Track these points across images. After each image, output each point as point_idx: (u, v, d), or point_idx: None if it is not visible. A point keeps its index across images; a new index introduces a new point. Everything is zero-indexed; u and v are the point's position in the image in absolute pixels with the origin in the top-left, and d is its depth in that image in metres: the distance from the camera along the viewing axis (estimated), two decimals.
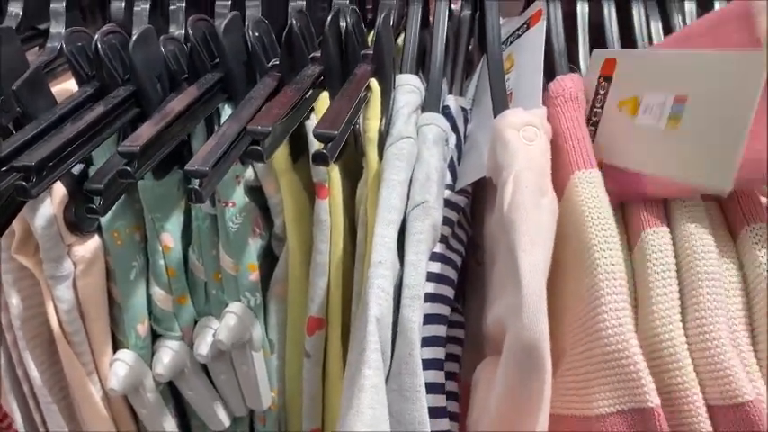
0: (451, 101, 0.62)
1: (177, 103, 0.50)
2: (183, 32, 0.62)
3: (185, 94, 0.52)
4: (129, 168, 0.44)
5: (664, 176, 0.47)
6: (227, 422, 0.65)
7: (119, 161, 0.48)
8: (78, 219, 0.56)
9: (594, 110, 0.55)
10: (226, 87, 0.56)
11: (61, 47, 0.62)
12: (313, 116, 0.56)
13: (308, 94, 0.54)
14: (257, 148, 0.44)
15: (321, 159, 0.45)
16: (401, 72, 0.62)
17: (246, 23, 0.57)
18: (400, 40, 0.67)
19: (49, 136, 0.49)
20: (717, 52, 0.44)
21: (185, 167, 0.44)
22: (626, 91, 0.52)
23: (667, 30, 0.64)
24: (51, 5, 0.63)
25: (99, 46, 0.54)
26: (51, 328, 0.59)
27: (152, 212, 0.58)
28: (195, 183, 0.45)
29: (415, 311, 0.49)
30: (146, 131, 0.46)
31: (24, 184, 0.44)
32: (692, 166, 0.44)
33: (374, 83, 0.56)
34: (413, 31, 0.63)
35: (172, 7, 0.63)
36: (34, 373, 0.61)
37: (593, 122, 0.55)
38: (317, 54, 0.57)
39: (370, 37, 0.63)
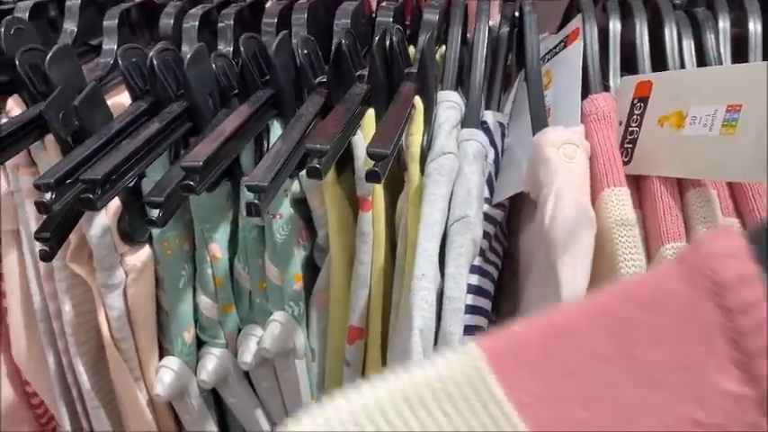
0: (489, 116, 0.63)
1: (232, 120, 0.52)
2: (232, 49, 0.64)
3: (239, 111, 0.54)
4: (191, 183, 0.45)
5: (720, 179, 0.50)
6: (267, 429, 0.67)
7: (176, 175, 0.50)
8: (131, 229, 0.58)
9: (630, 129, 0.57)
10: (276, 104, 0.58)
11: (113, 62, 0.64)
12: (359, 132, 0.58)
13: (356, 111, 0.56)
14: (316, 166, 0.46)
15: (374, 177, 0.47)
16: (442, 88, 0.63)
17: (295, 41, 0.59)
18: (437, 56, 0.69)
19: (108, 150, 0.52)
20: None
21: (245, 182, 0.45)
22: (667, 108, 0.54)
23: (699, 48, 0.65)
24: (104, 23, 0.65)
25: (154, 62, 0.56)
26: (101, 334, 0.61)
27: (201, 223, 0.60)
28: (251, 196, 0.46)
29: (456, 324, 0.50)
30: (205, 147, 0.48)
31: (90, 196, 0.46)
32: (754, 165, 0.47)
33: (418, 100, 0.57)
34: (453, 48, 0.64)
35: (220, 25, 0.65)
36: (83, 377, 0.62)
37: (629, 140, 0.57)
38: (364, 72, 0.59)
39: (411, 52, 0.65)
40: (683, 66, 0.63)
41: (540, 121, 0.59)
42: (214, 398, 0.68)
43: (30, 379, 0.67)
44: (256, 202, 0.45)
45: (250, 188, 0.45)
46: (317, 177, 0.46)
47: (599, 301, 0.29)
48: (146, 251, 0.59)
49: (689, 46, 0.65)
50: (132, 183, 0.58)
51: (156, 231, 0.59)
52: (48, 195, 0.46)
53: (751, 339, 0.27)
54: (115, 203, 0.57)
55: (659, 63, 0.64)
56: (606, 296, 0.29)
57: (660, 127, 0.54)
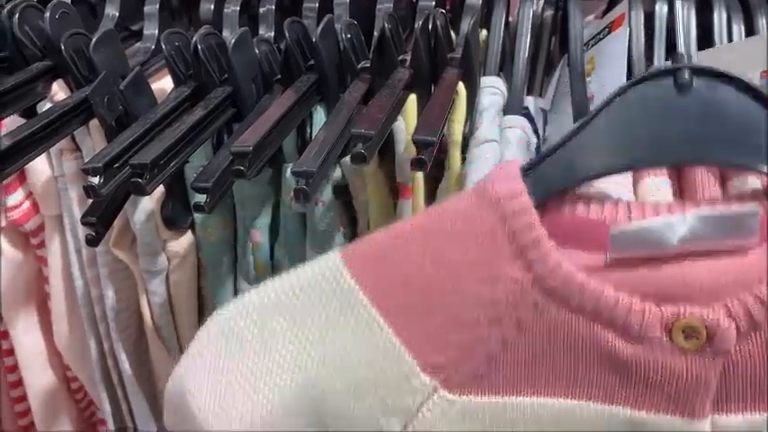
0: (531, 102, 0.62)
1: (277, 106, 0.52)
2: (273, 34, 0.64)
3: (284, 96, 0.54)
4: (242, 168, 0.45)
5: None
6: None
7: (223, 160, 0.49)
8: (175, 215, 0.58)
9: None
10: (319, 89, 0.58)
11: (155, 47, 0.64)
12: (400, 118, 0.57)
13: (399, 97, 0.55)
14: (362, 152, 0.45)
15: (420, 165, 0.46)
16: (484, 74, 0.62)
17: (339, 26, 0.58)
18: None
19: (153, 134, 0.51)
20: None
21: (294, 169, 0.45)
22: None
23: (750, 32, 0.63)
24: (145, 8, 0.65)
25: (199, 47, 0.55)
26: (143, 320, 0.61)
27: (243, 210, 0.59)
28: (301, 182, 0.46)
29: None
30: (254, 133, 0.47)
31: (140, 180, 0.46)
32: None
33: (461, 86, 0.56)
34: (496, 34, 0.63)
35: (261, 9, 0.64)
36: (124, 364, 0.63)
37: None
38: (407, 57, 0.58)
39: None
40: None
41: (582, 109, 0.58)
42: None
43: (70, 363, 0.68)
44: (305, 188, 0.45)
45: (299, 174, 0.44)
46: (362, 162, 0.46)
47: (426, 217, 0.41)
48: (188, 237, 0.59)
49: (739, 31, 0.64)
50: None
51: (198, 218, 0.59)
52: (96, 180, 0.46)
53: (522, 236, 0.38)
54: (159, 189, 0.57)
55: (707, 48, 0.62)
56: (431, 213, 0.41)
57: None
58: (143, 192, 0.46)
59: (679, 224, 0.38)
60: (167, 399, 0.46)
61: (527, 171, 0.39)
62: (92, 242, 0.51)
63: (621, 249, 0.39)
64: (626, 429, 0.41)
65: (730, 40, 0.63)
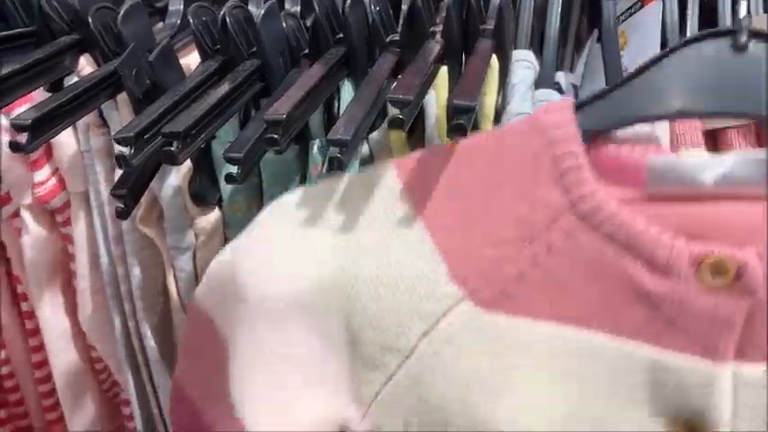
0: (562, 77, 0.61)
1: (307, 79, 0.51)
2: (299, 9, 0.63)
3: (312, 69, 0.53)
4: (275, 136, 0.44)
5: None
6: None
7: (254, 132, 0.49)
8: (202, 191, 0.57)
9: None
10: (348, 63, 0.57)
11: (181, 23, 0.63)
12: (431, 91, 0.56)
13: (431, 68, 0.54)
14: (399, 117, 0.44)
15: (459, 130, 0.45)
16: (515, 47, 0.61)
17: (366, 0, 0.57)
18: None
19: (183, 107, 0.51)
20: None
21: (329, 136, 0.44)
22: None
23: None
24: None
25: (227, 20, 0.55)
26: (169, 298, 0.60)
27: (270, 186, 0.58)
28: (335, 151, 0.45)
29: None
30: (286, 102, 0.46)
31: (172, 149, 0.45)
32: None
33: (494, 59, 0.55)
34: (527, 5, 0.63)
35: None
36: (150, 342, 0.62)
37: None
38: (437, 29, 0.57)
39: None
40: None
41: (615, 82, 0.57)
42: None
43: (95, 343, 0.67)
44: (339, 156, 0.44)
45: (334, 142, 0.43)
46: (399, 128, 0.45)
47: (478, 139, 0.45)
48: (215, 214, 0.59)
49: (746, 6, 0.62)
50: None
51: (225, 194, 0.58)
52: (127, 150, 0.46)
53: (564, 162, 0.40)
54: (186, 165, 0.56)
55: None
56: (482, 135, 0.46)
57: None
58: (175, 161, 0.45)
59: (715, 165, 0.39)
60: (210, 276, 0.50)
61: (579, 108, 0.42)
62: (122, 215, 0.50)
63: (658, 183, 0.40)
64: (645, 367, 0.40)
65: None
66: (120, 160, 0.46)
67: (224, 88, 0.52)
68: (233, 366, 0.47)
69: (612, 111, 0.41)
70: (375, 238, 0.44)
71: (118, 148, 0.46)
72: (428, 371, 0.43)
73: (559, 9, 0.61)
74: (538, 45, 0.61)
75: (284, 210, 0.48)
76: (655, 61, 0.40)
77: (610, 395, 0.41)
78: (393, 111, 0.48)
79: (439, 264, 0.43)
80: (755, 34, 0.39)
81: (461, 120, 0.44)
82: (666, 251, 0.39)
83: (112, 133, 0.58)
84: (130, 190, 0.51)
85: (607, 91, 0.41)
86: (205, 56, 0.58)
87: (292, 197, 0.48)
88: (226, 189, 0.58)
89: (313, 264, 0.45)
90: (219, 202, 0.59)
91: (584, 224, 0.40)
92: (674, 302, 0.39)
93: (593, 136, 0.42)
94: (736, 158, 0.39)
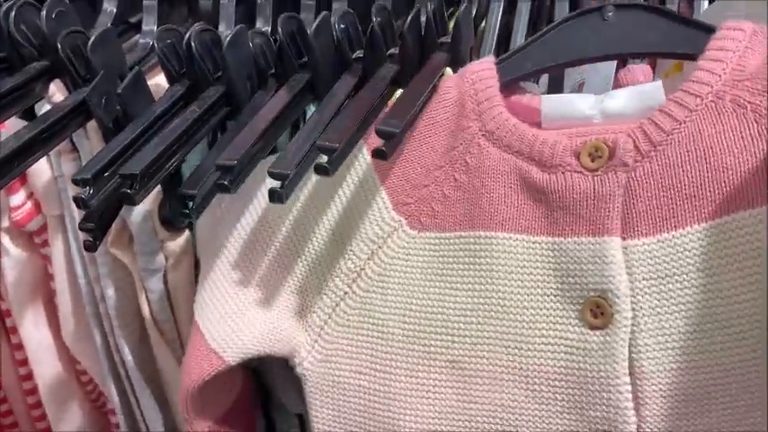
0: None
1: (270, 109, 0.51)
2: (270, 28, 0.63)
3: (276, 98, 0.53)
4: (226, 182, 0.45)
5: None
6: None
7: (211, 165, 0.49)
8: (172, 215, 0.58)
9: None
10: (312, 87, 0.57)
11: (153, 43, 0.63)
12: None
13: (384, 92, 0.54)
14: (325, 165, 0.44)
15: (379, 155, 0.46)
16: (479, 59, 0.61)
17: (333, 18, 0.57)
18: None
19: (146, 137, 0.51)
20: None
21: (269, 170, 0.44)
22: None
23: None
24: (144, 1, 0.64)
25: (192, 44, 0.55)
26: (143, 316, 0.61)
27: None
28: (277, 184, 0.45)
29: None
30: (242, 142, 0.47)
31: (129, 191, 0.45)
32: None
33: (449, 71, 0.55)
34: (494, 18, 0.62)
35: (259, 1, 0.63)
36: (128, 357, 0.64)
37: None
38: (396, 51, 0.57)
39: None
40: None
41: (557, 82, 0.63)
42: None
43: (79, 358, 0.69)
44: (279, 190, 0.44)
45: (273, 176, 0.44)
46: (325, 175, 0.45)
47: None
48: (185, 236, 0.60)
49: None
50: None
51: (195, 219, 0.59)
52: (86, 190, 0.46)
53: (481, 94, 0.49)
54: (156, 190, 0.57)
55: None
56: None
57: None
58: (132, 202, 0.46)
59: (599, 100, 0.48)
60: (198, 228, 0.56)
61: (498, 63, 0.51)
62: (90, 248, 0.51)
63: (552, 119, 0.49)
64: (549, 258, 0.46)
65: None
66: (78, 201, 0.46)
67: (188, 117, 0.52)
68: (198, 290, 0.54)
69: (519, 65, 0.51)
70: (333, 185, 0.51)
71: (76, 189, 0.47)
72: (373, 291, 0.50)
73: (526, 23, 0.61)
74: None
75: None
76: (550, 29, 0.50)
77: (525, 290, 0.46)
78: None
79: (384, 197, 0.50)
80: (620, 6, 0.49)
81: (384, 147, 0.45)
82: (551, 147, 0.46)
83: (82, 159, 0.58)
84: (97, 223, 0.51)
85: (516, 51, 0.51)
86: (172, 80, 0.58)
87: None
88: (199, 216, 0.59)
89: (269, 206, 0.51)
90: (190, 225, 0.60)
91: (491, 141, 0.48)
92: (562, 190, 0.45)
93: (507, 85, 0.51)
94: (617, 95, 0.47)
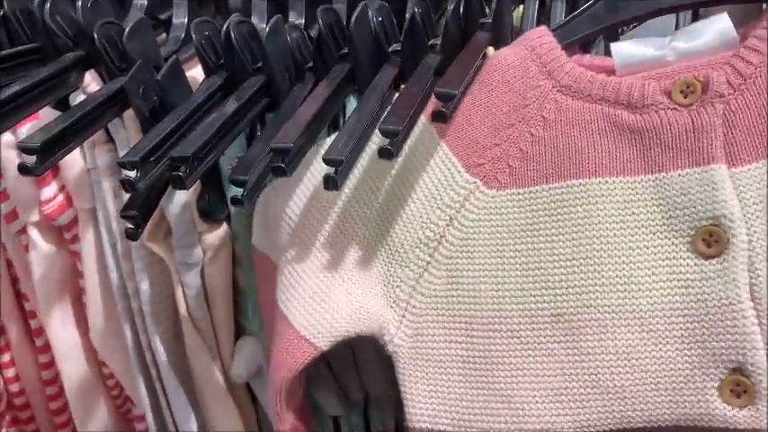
0: None
1: (313, 100, 0.50)
2: (303, 21, 0.62)
3: (319, 89, 0.52)
4: (282, 165, 0.44)
5: None
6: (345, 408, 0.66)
7: (259, 152, 0.48)
8: (210, 207, 0.57)
9: None
10: (353, 78, 0.56)
11: (185, 36, 0.63)
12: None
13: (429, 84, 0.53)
14: (389, 148, 0.43)
15: (440, 117, 0.45)
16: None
17: (370, 11, 0.57)
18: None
19: (188, 126, 0.50)
20: None
21: (324, 156, 0.43)
22: None
23: None
24: None
25: (232, 35, 0.54)
26: (179, 313, 0.60)
27: None
28: (331, 170, 0.45)
29: None
30: (292, 129, 0.46)
31: (180, 174, 0.44)
32: None
33: (491, 50, 0.55)
34: (532, 3, 0.62)
35: None
36: (162, 357, 0.62)
37: None
38: (437, 41, 0.57)
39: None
40: None
41: None
42: None
43: (106, 359, 0.67)
44: (334, 175, 0.43)
45: (328, 162, 0.43)
46: (388, 158, 0.44)
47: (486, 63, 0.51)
48: (223, 229, 0.59)
49: None
50: None
51: (234, 209, 0.58)
52: (133, 173, 0.45)
53: (546, 55, 0.49)
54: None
55: None
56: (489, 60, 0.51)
57: None
58: (183, 186, 0.45)
59: (668, 39, 0.48)
60: (256, 221, 0.56)
61: (554, 30, 0.51)
62: (132, 236, 0.50)
63: (626, 65, 0.49)
64: (652, 195, 0.45)
65: None
66: (126, 184, 0.45)
67: (231, 106, 0.52)
68: (279, 283, 0.52)
69: (576, 28, 0.52)
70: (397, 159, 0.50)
71: (123, 171, 0.46)
72: (458, 257, 0.49)
73: (563, 5, 0.61)
74: None
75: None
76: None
77: (629, 231, 0.45)
78: None
79: (453, 161, 0.49)
80: None
81: (443, 108, 0.44)
82: (640, 90, 0.46)
83: (118, 150, 0.57)
84: (140, 210, 0.50)
85: (568, 20, 0.52)
86: (209, 71, 0.57)
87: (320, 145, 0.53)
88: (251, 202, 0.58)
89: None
90: (228, 218, 0.59)
91: (569, 95, 0.48)
92: (659, 128, 0.45)
93: (567, 45, 0.51)
94: (685, 32, 0.49)
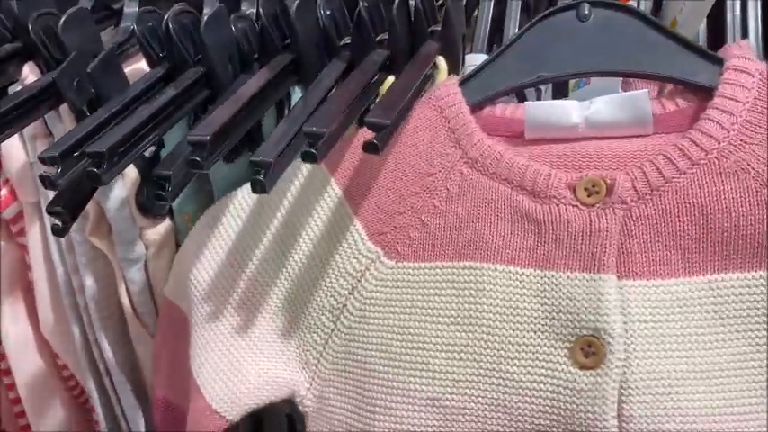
0: None
1: (248, 88, 0.49)
2: (255, 11, 0.61)
3: (257, 77, 0.51)
4: (198, 159, 0.42)
5: None
6: None
7: (188, 147, 0.47)
8: (150, 202, 0.56)
9: None
10: (297, 69, 0.55)
11: (135, 27, 0.61)
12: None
13: (374, 79, 0.52)
14: (311, 151, 0.41)
15: (371, 148, 0.43)
16: (471, 51, 0.59)
17: (319, 2, 0.55)
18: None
19: (120, 119, 0.49)
20: None
21: (251, 158, 0.42)
22: None
23: None
24: None
25: (170, 26, 0.53)
26: (123, 308, 0.59)
27: (221, 194, 0.57)
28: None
29: None
30: (217, 118, 0.44)
31: (95, 170, 0.43)
32: None
33: (441, 61, 0.53)
34: (486, 8, 0.60)
35: None
36: (108, 353, 0.62)
37: None
38: (386, 36, 0.55)
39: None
40: None
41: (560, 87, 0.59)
42: None
43: (58, 352, 0.67)
44: (261, 179, 0.42)
45: (256, 164, 0.41)
46: (312, 161, 0.42)
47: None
48: (166, 225, 0.58)
49: None
50: (150, 153, 0.56)
51: (175, 205, 0.57)
52: (54, 170, 0.44)
53: (454, 120, 0.48)
54: (133, 175, 0.55)
55: None
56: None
57: None
58: (100, 182, 0.44)
59: (584, 107, 0.46)
60: (174, 268, 0.57)
61: (462, 83, 0.49)
62: (58, 232, 0.49)
63: (535, 128, 0.47)
64: (539, 291, 0.44)
65: None
66: (46, 181, 0.44)
67: (162, 99, 0.50)
68: (192, 346, 0.53)
69: (489, 82, 0.49)
70: (305, 221, 0.50)
71: (43, 168, 0.45)
72: (356, 327, 0.48)
73: (518, 15, 0.59)
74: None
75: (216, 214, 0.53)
76: (517, 37, 0.48)
77: (512, 324, 0.44)
78: None
79: (358, 228, 0.49)
80: (596, 4, 0.47)
81: (374, 140, 0.42)
82: (545, 179, 0.44)
83: None
84: (67, 206, 0.49)
85: (482, 67, 0.49)
86: (152, 63, 0.56)
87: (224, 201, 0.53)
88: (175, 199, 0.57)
89: (251, 251, 0.51)
90: (171, 213, 0.58)
91: (475, 169, 0.47)
92: (556, 223, 0.44)
93: (477, 104, 0.49)
94: (600, 101, 0.46)
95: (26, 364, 0.67)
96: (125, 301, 0.59)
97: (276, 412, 0.67)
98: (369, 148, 0.42)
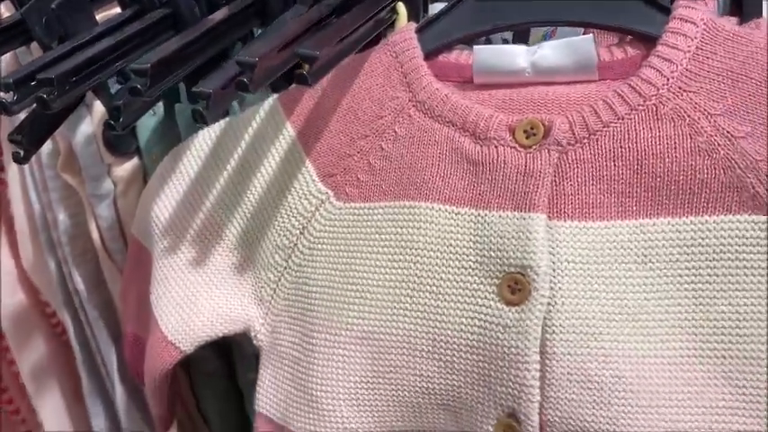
0: None
1: (203, 24, 0.50)
2: None
3: (217, 13, 0.52)
4: (139, 86, 0.44)
5: None
6: None
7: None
8: (117, 139, 0.57)
9: None
10: (263, 11, 0.55)
11: None
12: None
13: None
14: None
15: (300, 79, 0.42)
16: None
17: None
18: None
19: (82, 53, 0.50)
20: None
21: (194, 88, 0.43)
22: None
23: None
24: None
25: None
26: (94, 244, 0.61)
27: (188, 134, 0.58)
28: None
29: None
30: (163, 48, 0.46)
31: (44, 96, 0.45)
32: None
33: (401, 6, 0.53)
34: None
35: None
36: (81, 287, 0.64)
37: None
38: None
39: None
40: None
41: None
42: None
43: (39, 287, 0.69)
44: (200, 108, 0.42)
45: (196, 94, 0.42)
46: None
47: (349, 63, 0.50)
48: (134, 162, 0.59)
49: None
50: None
51: (143, 144, 0.59)
52: (9, 96, 0.46)
53: (406, 64, 0.49)
54: (101, 111, 0.57)
55: None
56: (353, 60, 0.50)
57: None
58: (48, 107, 0.45)
59: (531, 52, 0.47)
60: (139, 207, 0.57)
61: (419, 30, 0.50)
62: (19, 160, 0.51)
63: (483, 72, 0.48)
64: (471, 230, 0.45)
65: None
66: (1, 107, 0.46)
67: (125, 33, 0.51)
68: (152, 280, 0.54)
69: (445, 30, 0.50)
70: (260, 161, 0.52)
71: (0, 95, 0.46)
72: (305, 266, 0.50)
73: None
74: None
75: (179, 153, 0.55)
76: None
77: (443, 261, 0.45)
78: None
79: (310, 170, 0.50)
80: None
81: (303, 70, 0.42)
82: (486, 121, 0.45)
83: None
84: (28, 135, 0.51)
85: (439, 14, 0.50)
86: (123, 6, 0.57)
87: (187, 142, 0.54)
88: (143, 139, 0.59)
89: (209, 190, 0.53)
90: (138, 151, 0.60)
91: (422, 111, 0.48)
92: (494, 164, 0.45)
93: (433, 50, 0.50)
94: (546, 45, 0.46)
95: (9, 299, 0.70)
96: (95, 236, 0.61)
97: (246, 354, 0.68)
98: (300, 79, 0.43)
